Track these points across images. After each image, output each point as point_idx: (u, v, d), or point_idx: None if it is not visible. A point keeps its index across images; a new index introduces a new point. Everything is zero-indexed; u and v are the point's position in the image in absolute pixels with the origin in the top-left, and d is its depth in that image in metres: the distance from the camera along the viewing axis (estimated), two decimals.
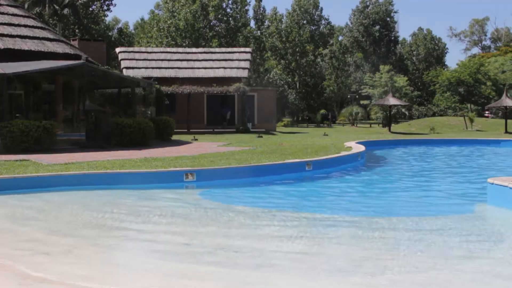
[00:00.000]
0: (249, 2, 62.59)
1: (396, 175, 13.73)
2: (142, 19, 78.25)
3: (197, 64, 35.99)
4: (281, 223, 7.32)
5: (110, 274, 4.94)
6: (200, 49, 39.46)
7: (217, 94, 33.70)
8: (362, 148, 16.90)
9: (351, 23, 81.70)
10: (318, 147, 17.96)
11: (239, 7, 60.87)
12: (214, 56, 37.01)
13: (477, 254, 5.69)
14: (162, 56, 36.56)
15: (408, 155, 20.40)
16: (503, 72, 58.50)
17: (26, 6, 41.26)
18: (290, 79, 70.16)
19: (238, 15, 60.77)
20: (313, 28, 74.18)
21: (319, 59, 73.42)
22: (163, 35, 56.63)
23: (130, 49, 39.10)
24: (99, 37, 51.18)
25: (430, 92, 68.57)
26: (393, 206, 9.17)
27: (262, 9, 71.57)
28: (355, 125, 54.94)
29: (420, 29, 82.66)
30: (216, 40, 57.39)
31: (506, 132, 34.86)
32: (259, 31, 66.34)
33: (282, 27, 70.50)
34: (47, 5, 44.98)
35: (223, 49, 40.17)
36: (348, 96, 68.45)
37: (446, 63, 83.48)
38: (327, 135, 30.78)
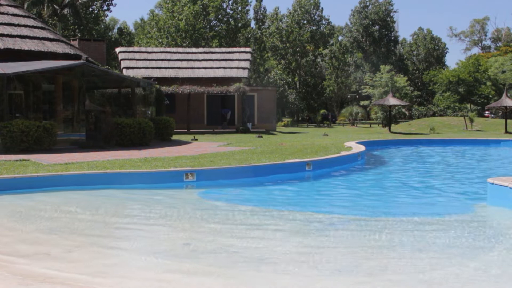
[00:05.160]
0: (250, 2, 62.58)
1: (396, 175, 13.73)
2: (142, 19, 78.27)
3: (197, 64, 35.98)
4: (281, 223, 7.32)
5: (110, 274, 4.94)
6: (200, 49, 39.44)
7: (217, 94, 33.70)
8: (362, 148, 16.90)
9: (351, 23, 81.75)
10: (318, 147, 17.96)
11: (239, 7, 60.86)
12: (214, 56, 37.00)
13: (477, 254, 5.69)
14: (162, 56, 36.55)
15: (408, 155, 20.39)
16: (503, 72, 58.52)
17: (25, 6, 41.24)
18: (290, 79, 70.17)
19: (238, 16, 60.76)
20: (314, 28, 74.19)
21: (319, 59, 73.43)
22: (163, 35, 56.63)
23: (130, 49, 39.08)
24: (99, 37, 51.18)
25: (430, 92, 68.61)
26: (393, 206, 9.17)
27: (262, 9, 71.59)
28: (355, 125, 54.94)
29: (420, 29, 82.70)
30: (217, 41, 57.38)
31: (506, 132, 34.86)
32: (259, 31, 66.29)
33: (283, 27, 70.53)
34: (45, 5, 44.94)
35: (223, 49, 40.15)
36: (348, 96, 68.49)
37: (446, 63, 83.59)
38: (327, 135, 30.78)
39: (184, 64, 35.88)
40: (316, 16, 74.86)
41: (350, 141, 20.77)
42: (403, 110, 50.68)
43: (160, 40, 56.58)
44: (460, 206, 9.07)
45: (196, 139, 23.48)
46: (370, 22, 79.13)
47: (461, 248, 5.92)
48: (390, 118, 41.00)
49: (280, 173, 11.80)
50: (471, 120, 40.29)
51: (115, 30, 72.79)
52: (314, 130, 42.58)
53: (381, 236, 6.49)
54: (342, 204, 9.31)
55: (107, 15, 62.17)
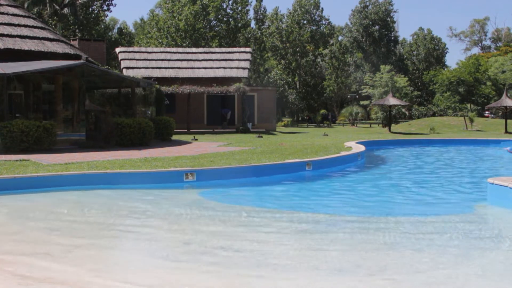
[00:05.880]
0: (250, 2, 62.61)
1: (396, 175, 13.73)
2: (141, 19, 78.28)
3: (197, 64, 35.98)
4: (281, 223, 7.31)
5: (110, 274, 4.94)
6: (200, 49, 39.44)
7: (217, 94, 33.70)
8: (362, 148, 16.90)
9: (351, 23, 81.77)
10: (318, 147, 17.96)
11: (239, 7, 60.88)
12: (214, 56, 37.00)
13: (477, 254, 5.69)
14: (162, 56, 36.55)
15: (408, 155, 20.39)
16: (503, 72, 58.50)
17: (26, 5, 41.25)
18: (290, 79, 70.18)
19: (238, 16, 60.77)
20: (314, 28, 74.21)
21: (319, 59, 73.44)
22: (163, 35, 56.64)
23: (130, 49, 39.08)
24: (99, 37, 51.18)
25: (430, 92, 68.61)
26: (393, 205, 9.17)
27: (262, 9, 71.62)
28: (355, 125, 54.93)
29: (421, 29, 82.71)
30: (217, 41, 57.38)
31: (506, 132, 34.86)
32: (259, 31, 66.28)
33: (283, 27, 70.55)
34: (48, 4, 44.93)
35: (223, 49, 40.15)
36: (348, 96, 68.49)
37: (446, 63, 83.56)
38: (327, 135, 30.78)
39: (184, 64, 35.88)
40: (316, 16, 74.85)
41: (350, 141, 20.77)
42: (403, 110, 50.71)
43: (160, 40, 56.58)
44: (460, 206, 9.07)
45: (196, 139, 23.48)
46: (370, 22, 79.13)
47: (461, 248, 5.92)
48: (390, 118, 41.00)
49: (280, 173, 11.79)
50: (471, 120, 40.30)
51: (115, 30, 72.79)
52: (314, 130, 42.58)
53: (381, 236, 6.49)
54: (342, 204, 9.31)
55: (107, 15, 62.18)
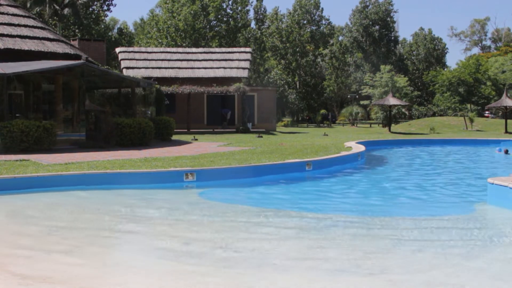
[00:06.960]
0: (251, 2, 62.59)
1: (396, 175, 13.72)
2: (141, 19, 78.28)
3: (197, 64, 35.97)
4: (281, 223, 7.31)
5: (110, 274, 4.94)
6: (200, 49, 39.44)
7: (217, 94, 33.70)
8: (362, 148, 16.90)
9: (351, 23, 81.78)
10: (318, 147, 17.96)
11: (239, 7, 60.88)
12: (214, 56, 37.00)
13: (477, 254, 5.69)
14: (162, 56, 36.55)
15: (408, 155, 20.39)
16: (503, 72, 58.47)
17: (28, 5, 41.24)
18: (290, 79, 70.18)
19: (238, 16, 60.77)
20: (314, 28, 74.24)
21: (319, 59, 73.44)
22: (163, 35, 56.63)
23: (130, 49, 39.07)
24: (99, 37, 51.17)
25: (430, 92, 68.61)
26: (393, 206, 9.17)
27: (262, 9, 71.60)
28: (355, 125, 54.93)
29: (421, 29, 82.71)
30: (216, 41, 57.36)
31: (506, 132, 34.85)
32: (259, 31, 66.26)
33: (283, 27, 70.57)
34: (47, 5, 44.93)
35: (223, 49, 40.15)
36: (348, 96, 68.48)
37: (446, 63, 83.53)
38: (327, 135, 30.78)
39: (184, 64, 35.87)
40: (316, 16, 74.87)
41: (350, 141, 20.77)
42: (403, 110, 50.70)
43: (160, 40, 56.57)
44: (460, 206, 9.07)
45: (196, 139, 23.47)
46: (370, 22, 79.13)
47: (461, 247, 5.92)
48: (390, 118, 40.99)
49: (280, 173, 11.79)
50: (471, 120, 40.30)
51: (115, 30, 72.80)
52: (314, 130, 42.57)
53: (381, 235, 6.49)
54: (342, 204, 9.31)
55: (107, 15, 62.20)
